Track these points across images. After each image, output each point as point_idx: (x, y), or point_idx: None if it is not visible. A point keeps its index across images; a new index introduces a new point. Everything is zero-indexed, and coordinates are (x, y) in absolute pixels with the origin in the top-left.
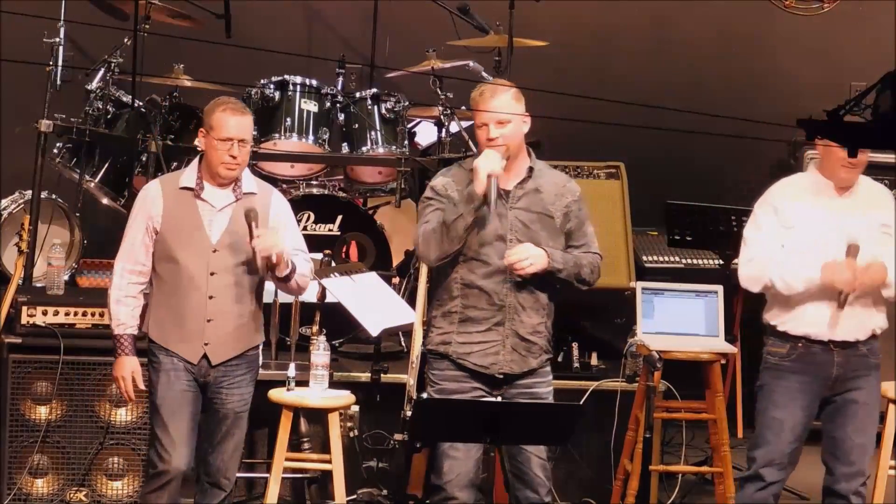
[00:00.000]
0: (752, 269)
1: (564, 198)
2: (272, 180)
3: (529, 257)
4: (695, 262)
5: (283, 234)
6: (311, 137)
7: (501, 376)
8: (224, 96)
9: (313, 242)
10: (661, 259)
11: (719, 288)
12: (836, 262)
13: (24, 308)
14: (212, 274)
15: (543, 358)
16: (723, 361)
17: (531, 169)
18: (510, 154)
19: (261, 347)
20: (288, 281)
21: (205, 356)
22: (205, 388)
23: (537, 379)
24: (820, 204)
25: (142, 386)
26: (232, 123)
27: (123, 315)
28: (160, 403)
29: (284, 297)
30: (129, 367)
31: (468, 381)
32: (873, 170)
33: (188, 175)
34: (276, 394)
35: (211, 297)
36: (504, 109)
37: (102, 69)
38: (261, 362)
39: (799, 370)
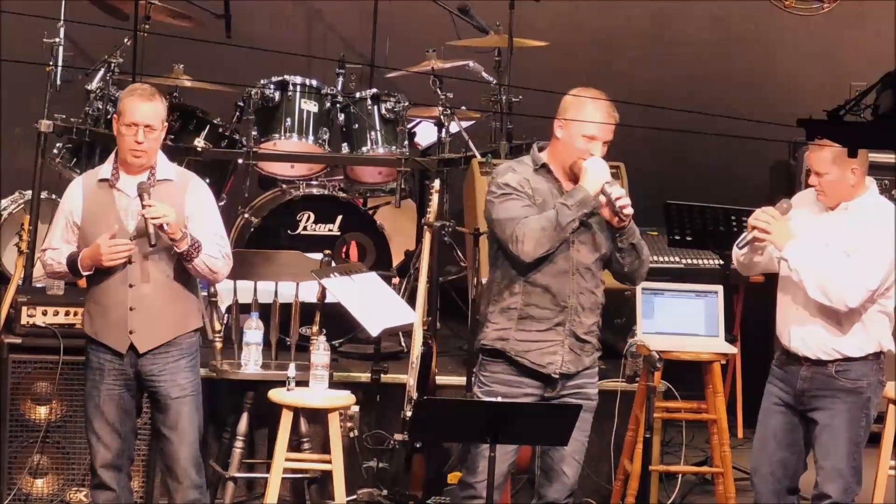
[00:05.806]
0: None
1: None
2: (272, 180)
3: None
4: (695, 262)
5: (201, 219)
6: (311, 137)
7: (557, 375)
8: (138, 83)
9: (313, 242)
10: (661, 259)
11: (719, 288)
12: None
13: (24, 308)
14: (130, 262)
15: (595, 356)
16: (723, 361)
17: None
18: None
19: (199, 333)
20: (190, 261)
21: (132, 345)
22: (139, 379)
23: (587, 379)
24: (807, 218)
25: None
26: (137, 108)
27: (57, 255)
28: (87, 401)
29: (284, 298)
30: (97, 247)
31: (520, 387)
32: (873, 170)
33: (106, 167)
34: (276, 394)
35: (131, 286)
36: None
37: (102, 69)
38: (198, 347)
39: (780, 376)
